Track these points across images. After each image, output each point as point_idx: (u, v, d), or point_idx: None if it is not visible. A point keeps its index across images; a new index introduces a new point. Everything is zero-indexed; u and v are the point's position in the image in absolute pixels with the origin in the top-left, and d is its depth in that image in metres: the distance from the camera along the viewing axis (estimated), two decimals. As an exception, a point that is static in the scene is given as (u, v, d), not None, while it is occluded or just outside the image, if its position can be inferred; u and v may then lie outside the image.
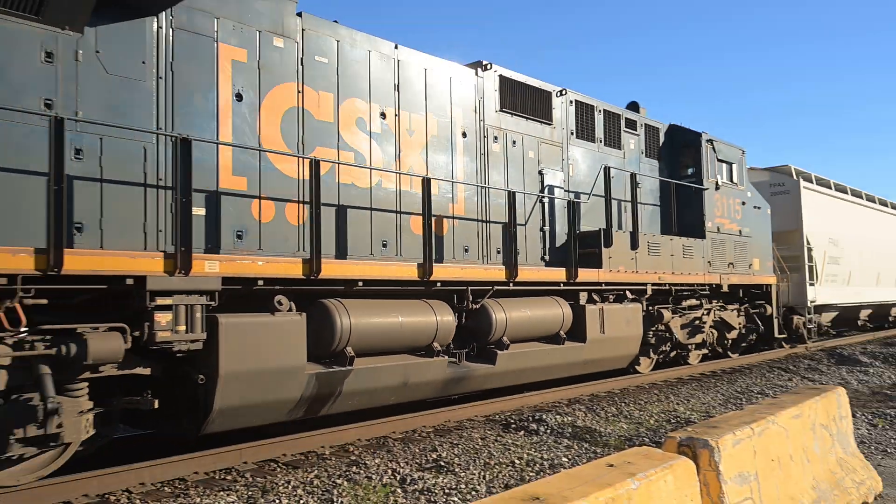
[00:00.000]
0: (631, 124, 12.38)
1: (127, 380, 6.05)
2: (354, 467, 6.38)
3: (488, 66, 9.70)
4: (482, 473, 6.21)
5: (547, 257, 10.25)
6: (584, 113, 11.31)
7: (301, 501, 5.45)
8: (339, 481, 5.95)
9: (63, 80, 5.81)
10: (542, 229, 10.26)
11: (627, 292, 11.10)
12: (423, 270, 7.95)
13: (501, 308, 8.84)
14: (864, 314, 22.37)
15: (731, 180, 14.12)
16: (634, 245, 11.05)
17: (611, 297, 10.86)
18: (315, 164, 6.98)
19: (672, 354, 12.97)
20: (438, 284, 8.20)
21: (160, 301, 5.79)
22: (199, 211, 6.50)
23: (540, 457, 6.77)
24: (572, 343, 9.88)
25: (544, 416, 8.34)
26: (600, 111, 11.66)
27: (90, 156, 5.88)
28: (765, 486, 4.07)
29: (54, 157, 5.30)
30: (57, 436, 5.44)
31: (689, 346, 13.08)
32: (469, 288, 8.60)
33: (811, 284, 17.33)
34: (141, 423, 6.90)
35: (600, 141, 11.60)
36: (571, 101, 11.07)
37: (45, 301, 5.33)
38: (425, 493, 5.64)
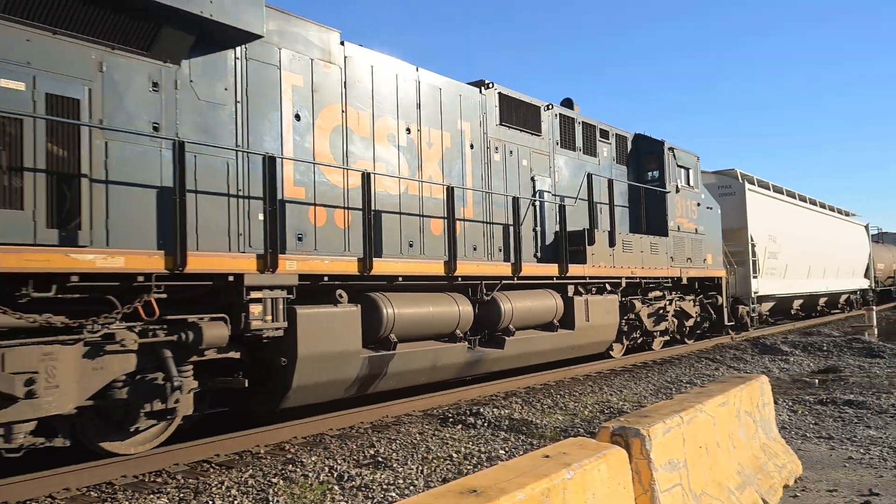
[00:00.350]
0: (604, 134, 13.85)
1: (212, 362, 7.06)
2: (290, 465, 6.39)
3: (490, 85, 10.96)
4: (420, 468, 6.25)
5: (539, 254, 11.60)
6: (566, 125, 12.71)
7: (235, 502, 5.43)
8: (274, 480, 5.95)
9: (165, 105, 6.80)
10: (534, 229, 11.60)
11: (607, 285, 12.57)
12: (449, 267, 9.17)
13: (508, 300, 10.14)
14: (796, 304, 24.65)
15: (689, 184, 15.80)
16: (612, 243, 12.52)
17: (593, 289, 12.30)
18: (366, 177, 8.12)
19: (640, 341, 14.54)
20: (459, 279, 9.45)
21: (253, 295, 6.86)
22: (268, 217, 7.55)
23: (478, 450, 6.89)
24: (564, 330, 11.26)
25: (482, 410, 8.52)
26: (579, 123, 13.08)
27: (187, 170, 6.86)
28: (693, 472, 4.23)
29: (178, 174, 6.30)
30: (174, 410, 6.46)
31: (655, 333, 14.68)
32: (482, 282, 9.87)
33: (754, 277, 19.28)
34: (214, 403, 7.89)
35: (580, 149, 13.03)
36: (556, 115, 12.45)
37: (164, 295, 6.34)
38: (363, 489, 5.67)
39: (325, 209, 8.21)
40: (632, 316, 13.61)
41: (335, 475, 6.06)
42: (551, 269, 11.12)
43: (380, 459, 6.54)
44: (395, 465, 6.34)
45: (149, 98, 6.67)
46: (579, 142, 13.02)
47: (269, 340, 7.12)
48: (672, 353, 15.01)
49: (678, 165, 15.31)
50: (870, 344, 15.76)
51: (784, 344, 16.30)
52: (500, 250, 10.72)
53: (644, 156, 15.00)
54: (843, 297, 30.43)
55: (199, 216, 6.92)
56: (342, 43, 8.65)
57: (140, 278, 6.06)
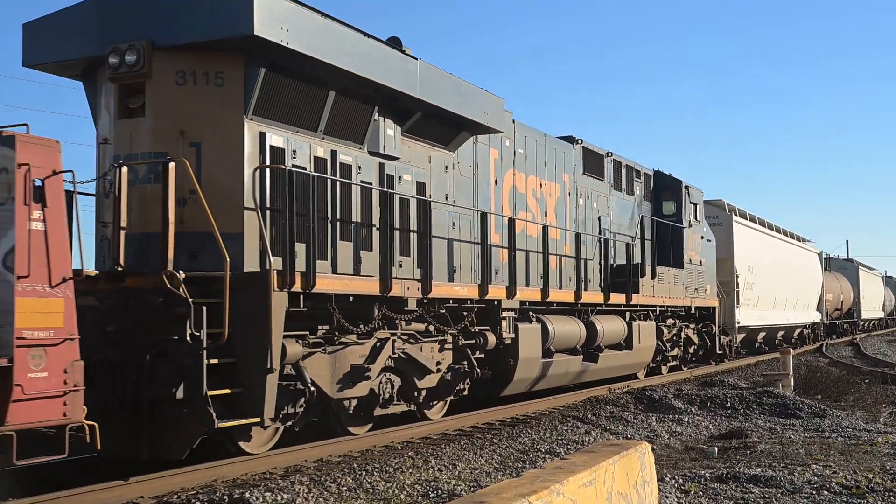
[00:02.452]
0: (637, 174, 22.61)
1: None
2: None
3: (579, 141, 19.29)
4: None
5: (602, 284, 20.03)
6: (617, 168, 21.29)
7: None
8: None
9: (449, 181, 14.52)
10: (600, 262, 20.01)
11: (650, 312, 21.27)
12: (577, 296, 17.40)
13: (601, 323, 18.47)
14: (760, 336, 34.81)
15: (696, 218, 24.91)
16: (654, 275, 21.20)
17: (641, 315, 20.92)
18: (545, 230, 16.19)
19: (657, 364, 23.34)
20: (580, 305, 17.69)
21: (503, 314, 14.74)
22: (483, 257, 15.37)
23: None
24: (626, 350, 19.78)
25: (248, 496, 8.54)
26: (624, 166, 21.71)
27: (457, 225, 14.59)
28: None
29: (483, 235, 14.09)
30: (464, 389, 14.21)
31: (669, 358, 23.54)
32: (588, 308, 18.17)
33: (737, 307, 28.88)
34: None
35: (624, 190, 21.67)
36: (612, 161, 20.99)
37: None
38: None
39: (504, 250, 16.14)
40: (659, 342, 22.39)
41: None
42: (621, 298, 19.59)
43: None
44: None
45: (444, 177, 14.41)
46: (624, 183, 21.67)
47: (502, 346, 15.00)
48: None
49: (690, 202, 24.33)
50: (784, 399, 16.94)
51: (677, 398, 17.22)
52: (585, 280, 19.05)
53: (662, 191, 23.87)
54: (797, 330, 41.21)
55: (463, 257, 14.70)
56: (514, 121, 16.64)
57: (468, 302, 13.83)
